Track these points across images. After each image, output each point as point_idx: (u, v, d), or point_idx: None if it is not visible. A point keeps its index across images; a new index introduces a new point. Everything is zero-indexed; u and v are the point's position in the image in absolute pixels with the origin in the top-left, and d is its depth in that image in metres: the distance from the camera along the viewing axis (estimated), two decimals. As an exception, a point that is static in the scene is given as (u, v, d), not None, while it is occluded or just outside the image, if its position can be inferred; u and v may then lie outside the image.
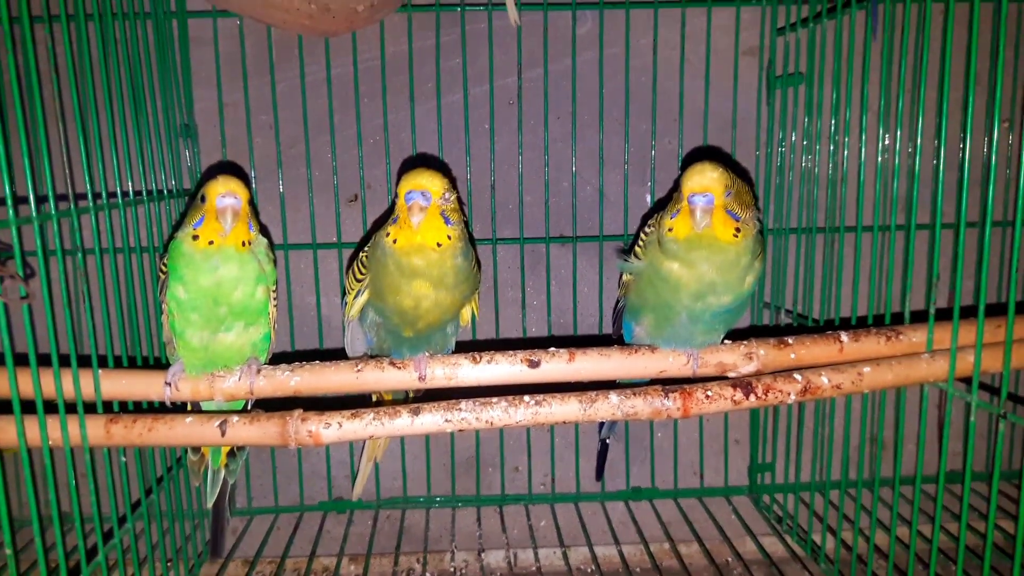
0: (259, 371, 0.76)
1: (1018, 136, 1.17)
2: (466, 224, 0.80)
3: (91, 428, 0.73)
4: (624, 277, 0.85)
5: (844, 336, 0.78)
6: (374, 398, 0.97)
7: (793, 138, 1.11)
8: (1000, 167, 1.19)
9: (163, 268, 0.76)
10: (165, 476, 0.99)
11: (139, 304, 0.95)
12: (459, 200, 0.79)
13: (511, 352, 0.76)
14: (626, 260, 0.81)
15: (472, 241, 0.83)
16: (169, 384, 0.75)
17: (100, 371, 0.75)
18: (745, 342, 0.78)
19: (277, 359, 0.81)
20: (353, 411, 0.73)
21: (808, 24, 1.04)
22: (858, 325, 0.84)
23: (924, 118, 0.82)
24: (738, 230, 0.71)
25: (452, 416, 0.72)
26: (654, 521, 1.21)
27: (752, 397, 0.74)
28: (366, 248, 0.83)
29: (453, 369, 0.76)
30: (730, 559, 1.22)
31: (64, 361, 0.72)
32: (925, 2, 0.77)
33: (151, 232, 0.97)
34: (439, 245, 0.74)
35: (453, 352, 0.83)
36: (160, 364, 0.98)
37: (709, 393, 0.74)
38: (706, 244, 0.71)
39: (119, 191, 0.87)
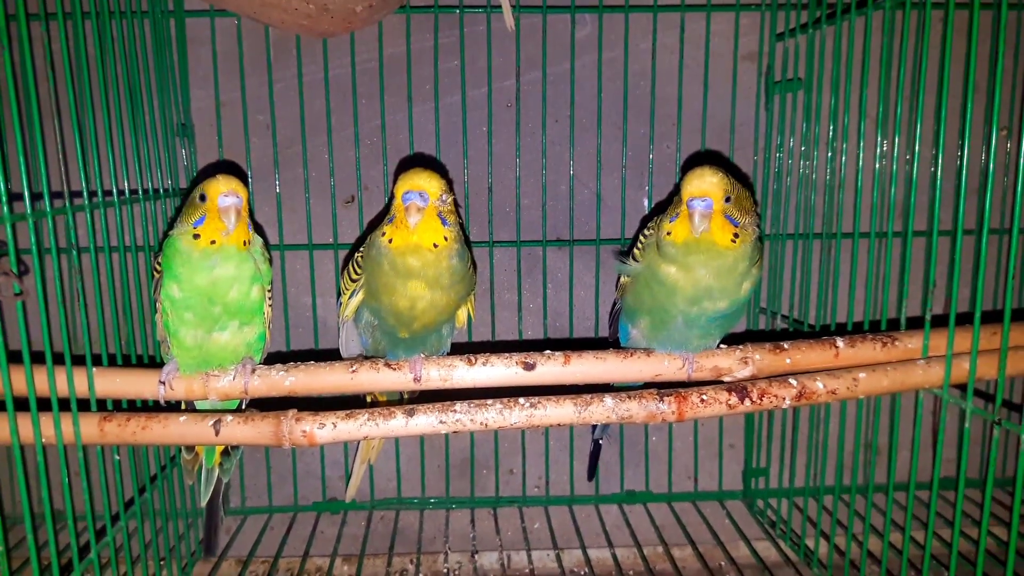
0: (254, 371, 0.76)
1: (1016, 144, 1.17)
2: (462, 226, 0.80)
3: (85, 426, 0.73)
4: (621, 279, 0.85)
5: (840, 342, 0.78)
6: (368, 399, 0.97)
7: (791, 143, 1.11)
8: (998, 175, 1.19)
9: (157, 267, 0.76)
10: (159, 475, 0.99)
11: (134, 302, 0.94)
12: (455, 202, 0.79)
13: (507, 354, 0.76)
14: (624, 262, 0.81)
15: (468, 243, 0.83)
16: (163, 383, 0.75)
17: (94, 369, 0.75)
18: (741, 346, 0.78)
19: (272, 359, 0.81)
20: (348, 412, 0.72)
21: (807, 30, 1.05)
22: (854, 331, 0.84)
23: (922, 125, 0.82)
24: (736, 236, 0.70)
25: (447, 418, 0.72)
26: (648, 524, 1.21)
27: (747, 401, 0.74)
28: (362, 248, 0.82)
29: (448, 371, 0.76)
30: (723, 563, 1.21)
31: (58, 359, 0.72)
32: (924, 9, 0.77)
33: (147, 231, 0.96)
34: (435, 246, 0.74)
35: (448, 354, 0.83)
36: (155, 363, 0.98)
37: (704, 397, 0.74)
38: (704, 249, 0.71)
39: (115, 189, 0.87)
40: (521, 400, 0.73)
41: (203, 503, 0.93)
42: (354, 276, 0.82)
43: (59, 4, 0.76)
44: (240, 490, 1.22)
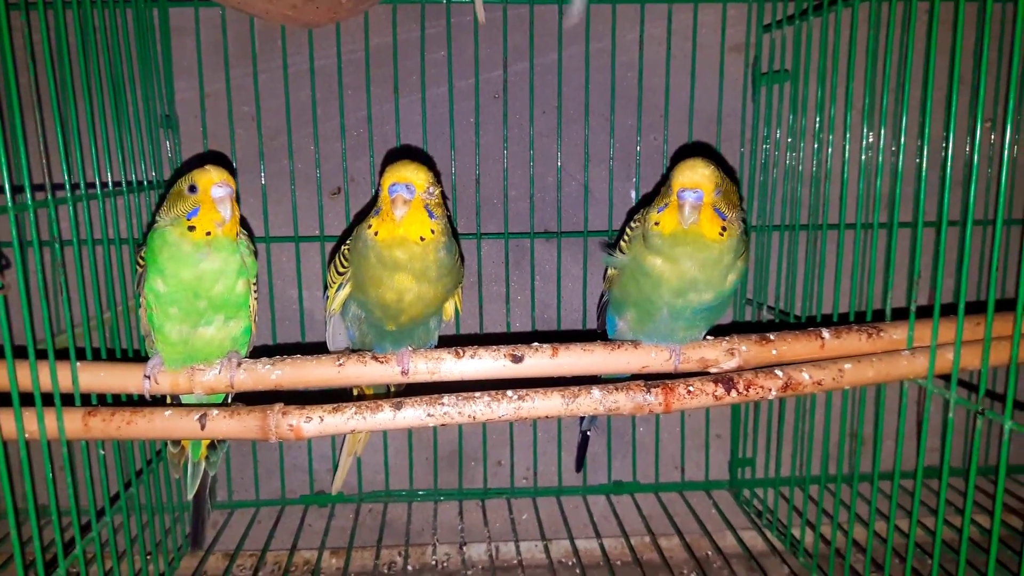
0: (239, 364, 0.76)
1: (1000, 136, 1.18)
2: (450, 219, 0.80)
3: (69, 421, 0.72)
4: (608, 272, 0.85)
5: (826, 333, 0.78)
6: (355, 392, 0.96)
7: (778, 135, 1.12)
8: (982, 166, 1.20)
9: (141, 260, 0.75)
10: (144, 469, 0.99)
11: (118, 296, 0.94)
12: (443, 195, 0.78)
13: (494, 347, 0.76)
14: (611, 254, 0.81)
15: (456, 235, 0.83)
16: (148, 377, 0.75)
17: (78, 363, 0.74)
18: (727, 338, 0.78)
19: (258, 352, 0.81)
20: (335, 405, 0.72)
21: (794, 21, 1.05)
22: (840, 322, 0.84)
23: (908, 117, 0.83)
24: (724, 229, 0.71)
25: (434, 410, 0.72)
26: (635, 515, 1.21)
27: (733, 393, 0.74)
28: (348, 241, 0.82)
29: (436, 364, 0.76)
30: (710, 552, 1.22)
31: (41, 353, 0.72)
32: (910, 1, 0.77)
33: (131, 223, 0.96)
34: (422, 239, 0.73)
35: (436, 347, 0.83)
36: (139, 357, 0.97)
37: (691, 389, 0.74)
38: (692, 241, 0.71)
39: (98, 182, 0.86)
40: (509, 393, 0.73)
41: (190, 496, 0.93)
42: (341, 269, 0.82)
43: (39, -7, 0.75)
44: (227, 484, 1.21)
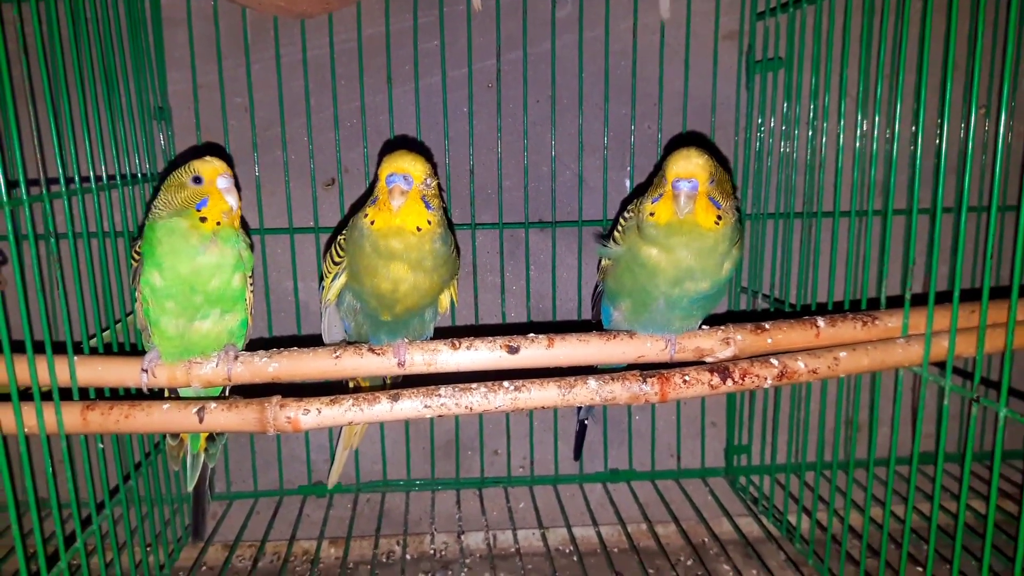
0: (236, 357, 0.76)
1: (994, 123, 1.18)
2: (446, 211, 0.80)
3: (67, 415, 0.72)
4: (603, 262, 0.85)
5: (821, 321, 0.78)
6: (351, 384, 0.97)
7: (772, 123, 1.12)
8: (976, 154, 1.20)
9: (137, 254, 0.75)
10: (143, 462, 0.99)
11: (114, 289, 0.93)
12: (439, 187, 0.78)
13: (490, 338, 0.76)
14: (605, 245, 0.81)
15: (451, 226, 0.83)
16: (145, 371, 0.75)
17: (75, 358, 0.74)
18: (722, 327, 0.78)
19: (254, 345, 0.81)
20: (332, 397, 0.72)
21: (788, 9, 1.05)
22: (835, 310, 0.84)
23: (902, 104, 0.83)
24: (719, 218, 0.71)
25: (431, 402, 0.72)
26: (632, 502, 1.22)
27: (729, 382, 0.74)
28: (344, 231, 0.82)
29: (432, 355, 0.76)
30: (706, 539, 1.23)
31: (38, 348, 0.72)
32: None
33: (125, 216, 0.95)
34: (418, 229, 0.73)
35: (432, 338, 0.83)
36: (136, 351, 0.97)
37: (687, 378, 0.74)
38: (687, 230, 0.71)
39: (92, 175, 0.86)
40: (505, 383, 0.73)
41: (190, 488, 0.93)
42: (336, 259, 0.82)
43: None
44: (225, 475, 1.21)
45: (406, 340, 0.77)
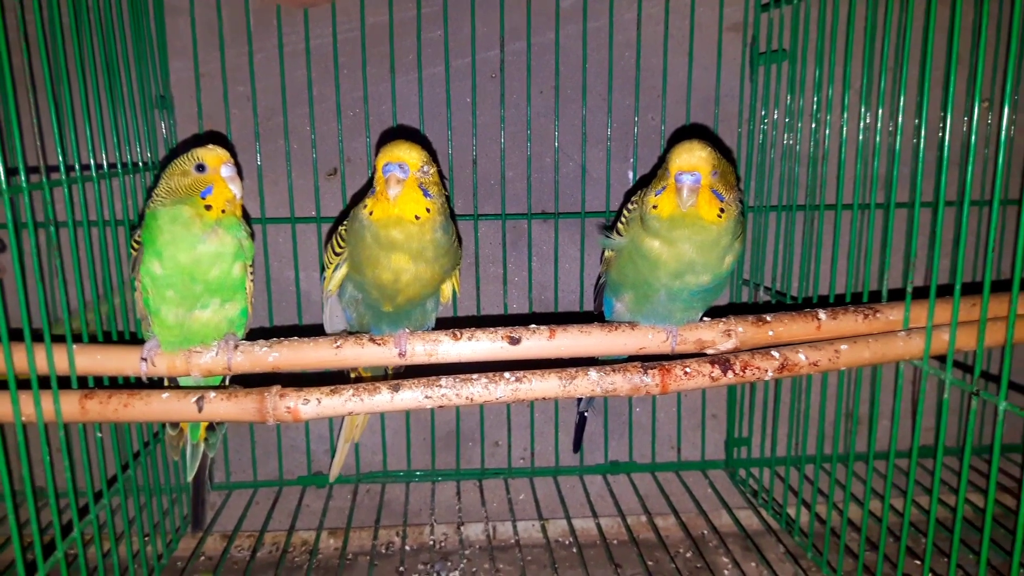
0: (237, 347, 0.76)
1: (997, 116, 1.18)
2: (448, 199, 0.80)
3: (65, 404, 0.72)
4: (606, 253, 0.85)
5: (822, 314, 0.78)
6: (352, 374, 0.97)
7: (775, 115, 1.11)
8: (979, 147, 1.19)
9: (136, 243, 0.75)
10: (142, 451, 0.99)
11: (114, 278, 0.93)
12: (440, 174, 0.78)
13: (492, 329, 0.76)
14: (608, 236, 0.81)
15: (453, 216, 0.83)
16: (145, 359, 0.75)
17: (75, 346, 0.74)
18: (724, 319, 0.78)
19: (255, 334, 0.81)
20: (333, 387, 0.72)
21: (792, 1, 1.04)
22: (836, 303, 0.84)
23: (905, 97, 0.82)
24: (722, 211, 0.70)
25: (432, 392, 0.72)
26: (632, 494, 1.22)
27: (730, 374, 0.74)
28: (345, 222, 0.82)
29: (434, 346, 0.76)
30: (706, 532, 1.23)
31: (37, 336, 0.72)
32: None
33: (126, 205, 0.95)
34: (417, 218, 0.73)
35: (434, 328, 0.83)
36: (136, 339, 0.97)
37: (688, 370, 0.74)
38: (690, 223, 0.71)
39: (92, 163, 0.85)
40: (507, 374, 0.73)
41: (189, 478, 0.93)
42: (338, 250, 0.82)
43: (31, -27, 0.74)
44: (224, 465, 1.22)
45: (407, 330, 0.77)
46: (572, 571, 1.14)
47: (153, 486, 1.02)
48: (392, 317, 0.81)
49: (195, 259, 0.72)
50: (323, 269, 0.87)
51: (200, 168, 0.73)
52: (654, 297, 0.76)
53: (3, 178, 0.65)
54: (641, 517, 1.22)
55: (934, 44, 0.73)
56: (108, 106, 0.93)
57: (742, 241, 0.76)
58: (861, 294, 0.89)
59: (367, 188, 0.80)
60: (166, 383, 0.84)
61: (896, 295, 0.81)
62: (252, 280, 0.79)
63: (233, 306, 0.77)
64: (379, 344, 0.76)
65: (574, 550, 1.18)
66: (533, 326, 0.76)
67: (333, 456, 1.09)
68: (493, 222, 1.19)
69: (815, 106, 1.01)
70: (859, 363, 0.76)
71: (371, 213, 0.74)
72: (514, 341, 0.75)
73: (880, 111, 0.87)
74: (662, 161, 0.74)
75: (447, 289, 0.86)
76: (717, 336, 0.77)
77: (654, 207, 0.72)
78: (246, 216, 0.79)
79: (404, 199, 0.72)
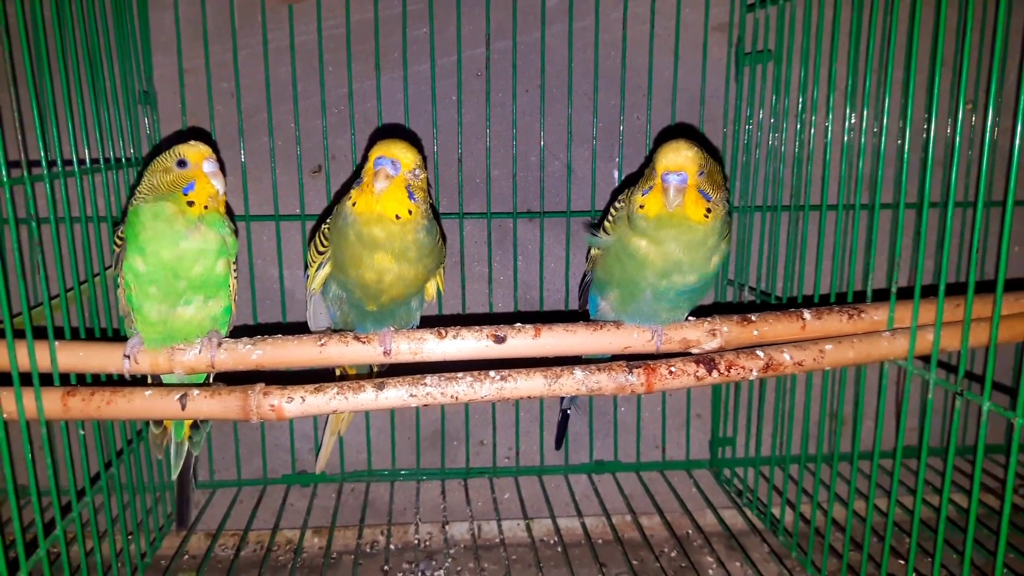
0: (220, 344, 0.75)
1: (981, 118, 1.19)
2: (433, 208, 0.80)
3: (48, 401, 0.71)
4: (592, 252, 0.85)
5: (807, 314, 0.79)
6: (337, 372, 0.96)
7: (761, 115, 1.12)
8: (963, 149, 1.20)
9: (120, 238, 0.74)
10: (125, 449, 0.98)
11: (97, 275, 0.92)
12: (428, 182, 0.78)
13: (477, 327, 0.76)
14: (595, 235, 0.81)
15: (437, 217, 0.82)
16: (128, 357, 0.74)
17: (56, 343, 0.73)
18: (709, 319, 0.78)
19: (239, 332, 0.80)
20: (317, 385, 0.72)
21: (778, 1, 1.04)
22: (821, 303, 0.85)
23: (890, 98, 0.83)
24: (709, 211, 0.71)
25: (417, 391, 0.72)
26: (616, 494, 1.22)
27: (715, 373, 0.75)
28: (328, 219, 0.81)
29: (419, 344, 0.76)
30: (690, 531, 1.23)
31: (19, 332, 0.71)
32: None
33: (109, 201, 0.94)
34: (398, 217, 0.73)
35: (419, 327, 0.83)
36: (119, 336, 0.96)
37: (673, 369, 0.74)
38: (676, 223, 0.71)
39: (75, 158, 0.84)
40: (492, 373, 0.73)
41: (174, 476, 0.92)
42: (321, 248, 0.81)
43: (13, -34, 0.73)
44: (208, 463, 1.21)
45: (392, 329, 0.77)
46: (557, 570, 1.14)
47: (137, 484, 1.01)
48: (376, 316, 0.81)
49: (178, 255, 0.71)
50: (307, 267, 0.87)
51: (182, 164, 0.72)
52: (640, 296, 0.76)
53: (-17, 173, 0.64)
54: (626, 516, 1.23)
55: (919, 46, 0.73)
56: (91, 101, 0.92)
57: (728, 241, 0.76)
58: (846, 294, 0.89)
59: (351, 185, 0.79)
60: (149, 380, 0.83)
61: (881, 295, 0.82)
62: (236, 277, 0.78)
63: (216, 303, 0.76)
64: (364, 342, 0.76)
65: (559, 549, 1.18)
66: (518, 325, 0.76)
67: (318, 451, 1.08)
68: (478, 221, 1.19)
69: (800, 106, 1.02)
70: (844, 363, 0.77)
71: (354, 204, 0.74)
72: (499, 340, 0.75)
73: (865, 112, 0.87)
74: (649, 161, 0.74)
75: (432, 288, 0.86)
76: (702, 335, 0.78)
77: (641, 206, 0.72)
78: (230, 213, 0.79)
79: (388, 195, 0.72)
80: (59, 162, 0.81)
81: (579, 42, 1.14)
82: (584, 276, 0.91)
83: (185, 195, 0.71)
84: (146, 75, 1.09)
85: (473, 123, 1.16)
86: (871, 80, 0.83)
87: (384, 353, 0.76)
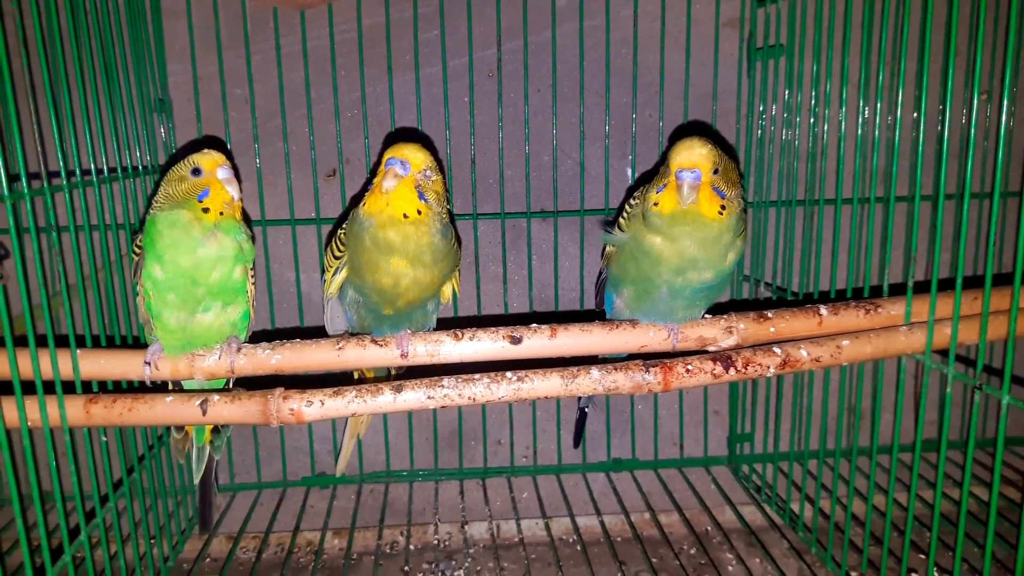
0: (239, 349, 0.76)
1: (996, 109, 1.18)
2: (450, 212, 0.80)
3: (70, 409, 0.72)
4: (607, 249, 0.85)
5: (823, 309, 0.78)
6: (356, 375, 0.97)
7: (773, 110, 1.11)
8: (978, 140, 1.19)
9: (138, 247, 0.75)
10: (146, 454, 0.99)
11: (116, 282, 0.93)
12: (444, 185, 0.78)
13: (493, 329, 0.76)
14: (609, 232, 0.81)
15: (452, 219, 0.83)
16: (148, 363, 0.75)
17: (78, 351, 0.74)
18: (725, 316, 0.78)
19: (257, 337, 0.81)
20: (335, 389, 0.72)
21: (789, -5, 1.04)
22: (837, 298, 0.84)
23: (904, 90, 0.82)
24: (723, 208, 0.70)
25: (434, 393, 0.72)
26: (635, 491, 1.22)
27: (732, 371, 0.74)
28: (344, 225, 0.82)
29: (435, 346, 0.76)
30: (709, 528, 1.23)
31: (41, 341, 0.72)
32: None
33: (127, 209, 0.95)
34: (406, 216, 0.73)
35: (435, 329, 0.83)
36: (139, 343, 0.97)
37: (689, 367, 0.74)
38: (690, 220, 0.71)
39: (93, 168, 0.85)
40: (508, 374, 0.73)
41: (196, 481, 0.93)
42: (337, 253, 0.82)
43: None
44: (228, 467, 1.22)
45: (409, 331, 0.77)
46: (576, 569, 1.14)
47: (158, 489, 1.02)
48: (393, 319, 0.81)
49: (195, 263, 0.72)
50: (323, 271, 0.88)
51: (196, 172, 0.73)
52: (655, 294, 0.76)
53: (4, 184, 0.65)
54: (644, 514, 1.23)
55: (932, 37, 0.73)
56: (107, 110, 0.93)
57: (744, 238, 0.76)
58: (862, 289, 0.89)
59: (366, 189, 0.80)
60: (170, 387, 0.84)
61: (897, 290, 0.81)
62: (254, 283, 0.79)
63: (235, 309, 0.77)
64: (381, 345, 0.76)
65: (578, 548, 1.18)
66: (534, 325, 0.77)
67: (337, 454, 1.09)
68: (492, 221, 1.19)
69: (813, 101, 1.01)
70: (861, 358, 0.76)
71: (364, 205, 0.74)
72: (515, 340, 0.75)
73: (879, 105, 0.87)
74: (664, 158, 0.74)
75: (448, 290, 0.86)
76: (718, 333, 0.78)
77: (655, 204, 0.72)
78: (247, 219, 0.79)
79: (396, 195, 0.73)
80: (78, 171, 0.82)
81: (590, 41, 1.14)
82: (600, 274, 0.91)
83: (200, 202, 0.72)
84: (161, 83, 1.10)
85: (485, 124, 1.16)
86: (884, 72, 0.83)
87: (401, 356, 0.76)
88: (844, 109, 0.92)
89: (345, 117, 1.15)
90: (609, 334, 0.77)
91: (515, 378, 0.73)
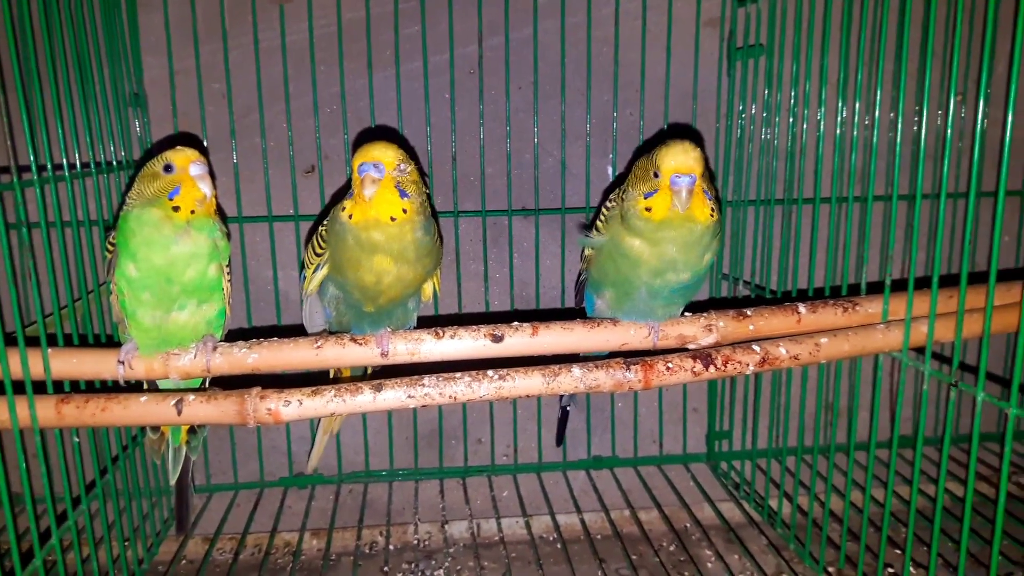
0: (215, 348, 0.75)
1: (971, 110, 1.19)
2: (429, 198, 0.79)
3: (41, 409, 0.71)
4: (585, 251, 0.85)
5: (802, 307, 0.79)
6: (332, 373, 0.96)
7: (753, 110, 1.12)
8: (954, 140, 1.21)
9: (111, 245, 0.74)
10: (120, 455, 0.98)
11: (89, 280, 0.92)
12: (421, 172, 0.77)
13: (474, 327, 0.76)
14: (587, 235, 0.81)
15: (435, 214, 0.82)
16: (122, 363, 0.74)
17: (50, 350, 0.73)
18: (705, 314, 0.79)
19: (234, 335, 0.80)
20: (314, 388, 0.72)
21: (768, -6, 1.04)
22: (815, 296, 0.85)
23: (881, 91, 0.83)
24: (713, 210, 0.71)
25: (415, 392, 0.72)
26: (615, 489, 1.22)
27: (712, 368, 0.75)
28: (325, 222, 0.81)
29: (416, 344, 0.76)
30: (689, 525, 1.24)
31: (10, 340, 0.70)
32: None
33: (100, 205, 0.94)
34: (393, 219, 0.73)
35: (415, 327, 0.83)
36: (113, 342, 0.96)
37: (670, 365, 0.75)
38: (682, 224, 0.71)
39: (65, 163, 0.84)
40: (490, 372, 0.73)
41: (172, 481, 0.92)
42: (318, 251, 0.81)
43: (0, -31, 0.73)
44: (205, 467, 1.20)
45: (389, 330, 0.76)
46: (557, 567, 1.14)
47: (133, 490, 1.01)
48: (374, 317, 0.80)
49: (169, 261, 0.71)
50: (302, 268, 0.87)
51: (168, 169, 0.71)
52: (635, 294, 0.76)
53: (-26, 180, 0.64)
54: (624, 511, 1.23)
55: (909, 38, 0.73)
56: (80, 104, 0.91)
57: (720, 238, 0.76)
58: (840, 287, 0.89)
59: (346, 186, 0.79)
60: (145, 386, 0.83)
61: (875, 288, 0.82)
62: (229, 280, 0.78)
63: (210, 307, 0.76)
64: (360, 344, 0.76)
65: (558, 546, 1.18)
66: (516, 323, 0.76)
67: (312, 449, 1.08)
68: (473, 219, 1.19)
69: (792, 100, 1.02)
70: (839, 356, 0.77)
71: (350, 216, 0.73)
72: (497, 339, 0.75)
73: (857, 105, 0.87)
74: (639, 156, 0.74)
75: (429, 288, 0.86)
76: (698, 331, 0.78)
77: (648, 209, 0.71)
78: (223, 215, 0.78)
79: (379, 200, 0.72)
80: (49, 166, 0.80)
81: (571, 38, 1.14)
82: (579, 275, 0.91)
83: (171, 200, 0.71)
84: (136, 77, 1.08)
85: (466, 121, 1.16)
86: (862, 73, 0.83)
87: (382, 354, 0.75)
88: (823, 109, 0.92)
89: (324, 113, 1.14)
90: (590, 332, 0.77)
91: (497, 376, 0.73)
